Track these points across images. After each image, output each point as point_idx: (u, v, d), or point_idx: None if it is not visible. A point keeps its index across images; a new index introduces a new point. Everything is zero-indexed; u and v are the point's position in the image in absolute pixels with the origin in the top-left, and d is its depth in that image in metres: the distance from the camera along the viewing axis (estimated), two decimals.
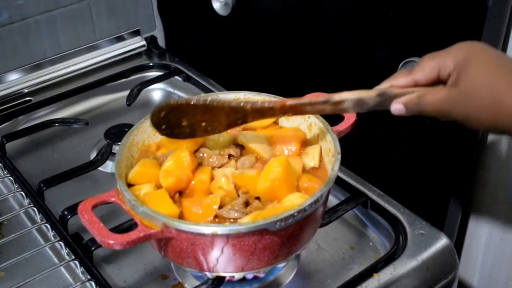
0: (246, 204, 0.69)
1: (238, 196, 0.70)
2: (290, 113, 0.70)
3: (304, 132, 0.79)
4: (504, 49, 0.80)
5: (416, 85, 0.63)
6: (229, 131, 0.79)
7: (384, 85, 0.65)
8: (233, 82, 1.14)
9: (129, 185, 0.70)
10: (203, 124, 0.72)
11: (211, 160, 0.75)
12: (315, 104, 0.68)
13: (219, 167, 0.74)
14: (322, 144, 0.76)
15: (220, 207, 0.69)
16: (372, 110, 0.65)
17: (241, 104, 0.70)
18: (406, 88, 0.63)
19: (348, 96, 0.66)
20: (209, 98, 0.70)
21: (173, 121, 0.71)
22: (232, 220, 0.68)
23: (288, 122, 0.81)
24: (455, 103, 0.59)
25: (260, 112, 0.71)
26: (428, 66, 0.62)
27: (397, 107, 0.63)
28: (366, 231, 0.88)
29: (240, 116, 0.71)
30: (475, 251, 0.96)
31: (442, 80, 0.62)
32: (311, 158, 0.74)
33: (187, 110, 0.70)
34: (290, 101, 0.69)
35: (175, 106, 0.70)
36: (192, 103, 0.70)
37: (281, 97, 0.78)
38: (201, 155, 0.75)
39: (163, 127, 0.72)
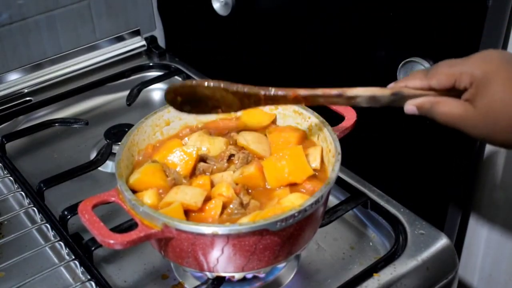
0: (242, 204, 0.69)
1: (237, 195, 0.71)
2: (303, 102, 0.70)
3: (303, 130, 0.79)
4: (504, 49, 0.80)
5: (431, 89, 0.62)
6: (224, 132, 0.80)
7: (399, 84, 0.64)
8: (233, 82, 1.14)
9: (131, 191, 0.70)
10: (217, 106, 0.71)
11: (211, 170, 0.75)
12: (328, 97, 0.67)
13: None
14: (322, 145, 0.76)
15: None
16: (385, 106, 0.65)
17: (256, 91, 0.70)
18: (420, 91, 0.62)
19: (361, 92, 0.65)
20: (222, 84, 0.70)
21: (188, 100, 0.71)
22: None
23: (287, 120, 0.81)
24: (470, 122, 0.57)
25: (273, 100, 0.70)
26: (444, 75, 0.60)
27: (410, 108, 0.63)
28: (366, 231, 0.88)
29: (253, 101, 0.70)
30: (475, 251, 0.96)
31: (457, 89, 0.60)
32: (312, 159, 0.74)
33: (201, 92, 0.70)
34: (303, 92, 0.69)
35: (190, 88, 0.70)
36: (206, 85, 0.69)
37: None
38: (201, 169, 0.75)
39: (179, 104, 0.72)
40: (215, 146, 0.78)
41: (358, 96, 0.65)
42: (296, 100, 0.69)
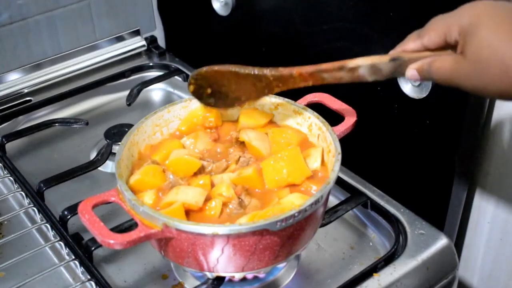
0: (241, 204, 0.69)
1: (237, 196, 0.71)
2: (311, 81, 0.70)
3: (305, 132, 0.79)
4: None
5: (426, 49, 0.61)
6: (223, 133, 0.80)
7: (397, 50, 0.64)
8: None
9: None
10: (238, 97, 0.75)
11: (210, 168, 0.75)
12: (331, 71, 0.67)
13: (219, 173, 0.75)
14: (322, 145, 0.76)
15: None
16: (389, 77, 0.64)
17: (263, 72, 0.72)
18: (418, 53, 0.61)
19: (362, 62, 0.65)
20: (232, 68, 0.74)
21: (210, 93, 0.76)
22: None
23: (287, 120, 0.81)
24: (463, 74, 0.56)
25: (282, 80, 0.71)
26: (434, 31, 0.59)
27: (411, 73, 0.61)
28: (366, 231, 0.88)
29: (265, 84, 0.72)
30: (475, 251, 0.96)
31: (450, 44, 0.58)
32: (313, 160, 0.74)
33: (217, 78, 0.75)
34: (307, 68, 0.69)
35: (206, 75, 0.75)
36: (217, 69, 0.75)
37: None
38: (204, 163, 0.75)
39: (204, 96, 0.77)
40: (213, 145, 0.78)
41: (359, 66, 0.64)
42: (302, 78, 0.70)
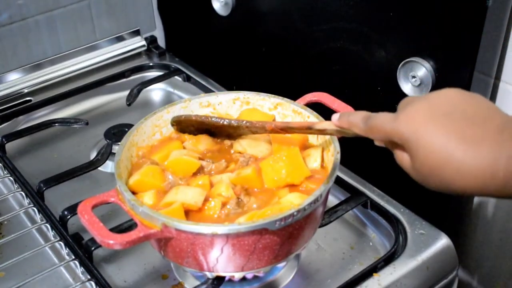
0: (239, 203, 0.69)
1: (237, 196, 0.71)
2: (283, 133, 0.73)
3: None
4: (504, 49, 0.80)
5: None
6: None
7: (343, 124, 0.64)
8: (233, 82, 1.14)
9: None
10: (218, 131, 0.78)
11: (209, 168, 0.75)
12: (300, 129, 0.70)
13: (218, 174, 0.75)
14: (322, 144, 0.76)
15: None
16: (356, 137, 0.64)
17: (238, 123, 0.75)
18: None
19: (328, 126, 0.67)
20: (210, 118, 0.77)
21: (192, 128, 0.79)
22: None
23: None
24: (414, 176, 0.57)
25: (256, 130, 0.75)
26: (379, 133, 0.59)
27: (378, 143, 0.63)
28: (366, 231, 0.88)
29: (242, 132, 0.76)
30: (475, 251, 0.96)
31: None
32: (313, 160, 0.74)
33: (197, 123, 0.78)
34: (278, 124, 0.72)
35: (185, 120, 0.78)
36: (194, 119, 0.77)
37: (285, 99, 0.80)
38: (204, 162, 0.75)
39: (190, 131, 0.80)
40: (213, 147, 0.78)
41: (326, 129, 0.67)
42: (275, 132, 0.73)
